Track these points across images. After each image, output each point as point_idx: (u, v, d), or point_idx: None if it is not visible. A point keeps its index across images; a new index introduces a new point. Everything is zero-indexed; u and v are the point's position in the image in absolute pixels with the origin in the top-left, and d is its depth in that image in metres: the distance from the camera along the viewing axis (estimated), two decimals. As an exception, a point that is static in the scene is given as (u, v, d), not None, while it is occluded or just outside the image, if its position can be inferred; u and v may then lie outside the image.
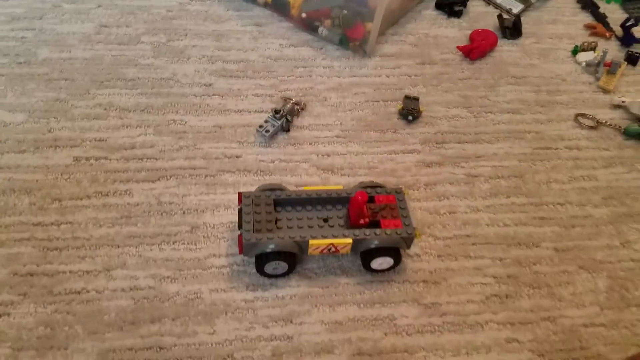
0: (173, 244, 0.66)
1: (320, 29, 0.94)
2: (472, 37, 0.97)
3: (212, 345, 0.59)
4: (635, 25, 1.00)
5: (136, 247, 0.65)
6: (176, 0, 0.98)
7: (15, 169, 0.71)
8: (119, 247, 0.65)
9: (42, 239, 0.65)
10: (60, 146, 0.74)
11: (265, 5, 0.98)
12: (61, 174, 0.71)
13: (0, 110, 0.78)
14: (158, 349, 0.58)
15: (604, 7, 1.09)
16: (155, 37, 0.91)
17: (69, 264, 0.63)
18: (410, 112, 0.83)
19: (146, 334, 0.59)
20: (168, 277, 0.63)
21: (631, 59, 0.99)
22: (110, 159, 0.73)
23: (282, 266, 0.63)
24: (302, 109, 0.84)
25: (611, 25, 1.05)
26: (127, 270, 0.63)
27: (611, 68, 0.95)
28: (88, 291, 0.61)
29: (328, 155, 0.79)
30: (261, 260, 0.63)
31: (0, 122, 0.76)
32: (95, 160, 0.73)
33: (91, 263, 0.64)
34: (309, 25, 0.95)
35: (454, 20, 1.02)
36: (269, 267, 0.63)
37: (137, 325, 0.59)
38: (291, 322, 0.62)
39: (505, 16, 1.03)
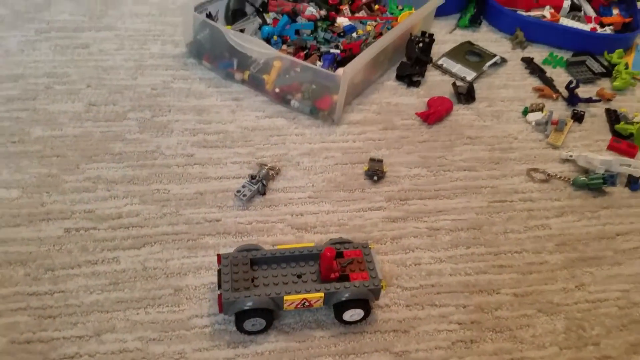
0: (158, 306, 0.70)
1: (292, 102, 1.02)
2: (430, 104, 1.06)
3: (195, 401, 0.62)
4: (577, 87, 1.11)
5: (124, 312, 0.69)
6: (160, 79, 1.06)
7: (11, 242, 0.75)
8: (108, 312, 0.68)
9: (37, 308, 0.68)
10: (52, 219, 0.78)
11: (243, 81, 1.07)
12: (53, 245, 0.75)
13: (-5, 187, 0.82)
14: (144, 408, 0.60)
15: (550, 72, 1.20)
16: (141, 114, 0.98)
17: (63, 330, 0.66)
18: (375, 172, 0.90)
19: (133, 394, 0.61)
20: (154, 339, 0.67)
21: (577, 117, 1.08)
22: (98, 229, 0.78)
23: (260, 322, 0.67)
24: (277, 174, 0.90)
25: (557, 87, 1.15)
26: (116, 334, 0.66)
27: (558, 126, 1.04)
28: (81, 355, 0.64)
29: (302, 215, 0.84)
30: (240, 318, 0.66)
31: (-5, 198, 0.81)
32: (85, 231, 0.77)
33: (83, 328, 0.67)
34: (282, 99, 1.03)
35: (413, 90, 1.11)
36: (248, 324, 0.67)
37: (124, 385, 0.62)
38: (270, 375, 0.65)
39: (459, 83, 1.12)
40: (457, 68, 1.17)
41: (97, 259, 0.74)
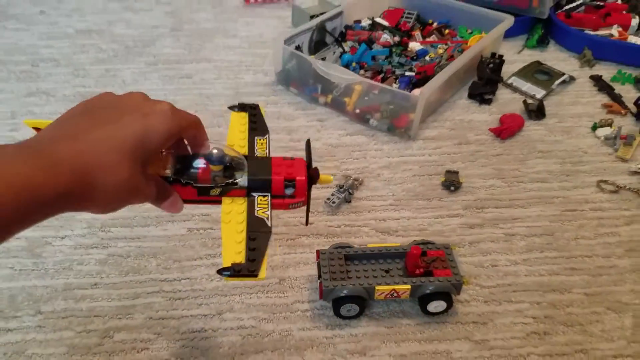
0: (266, 293, 0.83)
1: (371, 121, 1.15)
2: (502, 120, 1.15)
3: (303, 372, 0.74)
4: (646, 102, 1.16)
5: (239, 296, 0.82)
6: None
7: (143, 239, 0.91)
8: (226, 296, 0.82)
9: (169, 292, 0.83)
10: (175, 220, 0.94)
11: (326, 104, 1.21)
12: (179, 241, 0.90)
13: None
14: (261, 375, 0.73)
15: (618, 88, 1.26)
16: (241, 133, 1.14)
17: (191, 310, 0.81)
18: (452, 183, 1.00)
19: (251, 363, 0.74)
20: (265, 319, 0.79)
21: (646, 132, 1.13)
22: (214, 229, 0.93)
23: (354, 308, 0.78)
24: (360, 184, 1.02)
25: (626, 103, 1.21)
26: (234, 313, 0.80)
27: (627, 140, 1.10)
28: (206, 330, 0.78)
29: (384, 220, 0.95)
30: (337, 304, 0.78)
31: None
32: (204, 230, 0.92)
33: (207, 309, 0.81)
34: (362, 118, 1.16)
35: (485, 107, 1.21)
36: (344, 309, 0.78)
37: (246, 355, 0.75)
38: (365, 354, 0.76)
39: (529, 101, 1.21)
40: (526, 86, 1.25)
41: (215, 253, 0.89)
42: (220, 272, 0.50)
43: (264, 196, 0.56)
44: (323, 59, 1.25)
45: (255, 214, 0.55)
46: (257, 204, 0.56)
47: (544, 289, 0.84)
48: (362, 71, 1.23)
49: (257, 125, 0.65)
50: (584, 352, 0.76)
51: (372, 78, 1.19)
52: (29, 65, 1.35)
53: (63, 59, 1.38)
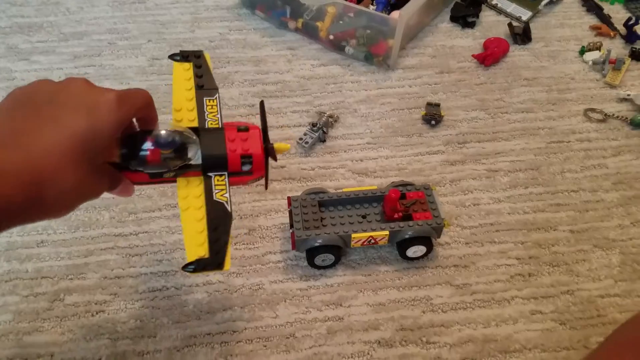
0: (235, 244, 0.77)
1: (346, 48, 1.04)
2: (486, 45, 1.06)
3: (276, 327, 0.69)
4: (636, 23, 1.07)
5: (204, 249, 0.76)
6: (217, 31, 1.09)
7: (97, 189, 0.82)
8: (190, 249, 0.75)
9: (124, 247, 0.76)
10: (131, 167, 0.85)
11: (296, 30, 1.09)
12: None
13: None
14: (232, 332, 0.68)
15: (607, 9, 1.16)
16: (202, 66, 1.02)
17: (150, 267, 0.74)
18: (432, 117, 0.93)
19: (220, 321, 0.69)
20: (234, 273, 0.74)
21: (635, 55, 1.06)
22: (175, 175, 0.84)
23: (330, 258, 0.73)
24: (336, 121, 0.94)
25: (615, 25, 1.12)
26: (199, 268, 0.74)
27: (616, 65, 1.02)
28: (168, 288, 0.72)
29: (361, 160, 0.88)
30: (311, 254, 0.72)
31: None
32: (163, 177, 0.84)
33: (168, 265, 0.74)
34: (337, 46, 1.05)
35: (468, 31, 1.11)
36: (318, 260, 0.73)
37: (212, 313, 0.69)
38: (341, 305, 0.71)
39: (515, 24, 1.11)
40: (512, 7, 1.15)
41: (176, 203, 0.80)
42: (184, 268, 0.50)
43: (221, 175, 0.54)
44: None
45: (214, 198, 0.53)
46: (215, 185, 0.53)
47: (528, 228, 0.80)
48: (334, -8, 1.10)
49: (204, 81, 0.59)
50: (570, 293, 0.73)
51: (346, -1, 1.07)
52: (-45, -8, 1.18)
53: (-5, -16, 1.21)
